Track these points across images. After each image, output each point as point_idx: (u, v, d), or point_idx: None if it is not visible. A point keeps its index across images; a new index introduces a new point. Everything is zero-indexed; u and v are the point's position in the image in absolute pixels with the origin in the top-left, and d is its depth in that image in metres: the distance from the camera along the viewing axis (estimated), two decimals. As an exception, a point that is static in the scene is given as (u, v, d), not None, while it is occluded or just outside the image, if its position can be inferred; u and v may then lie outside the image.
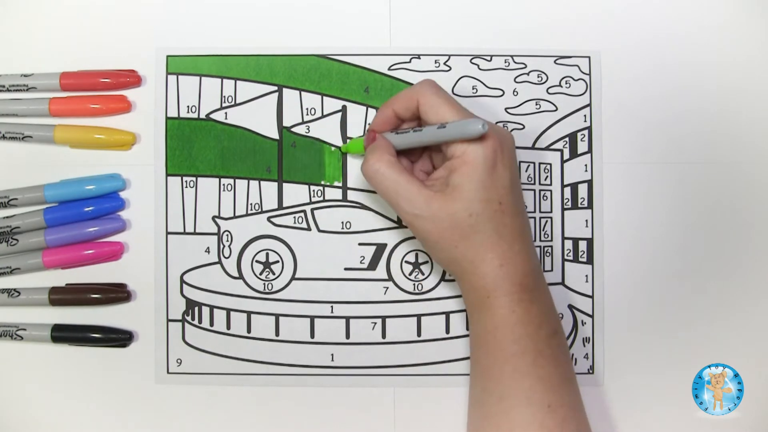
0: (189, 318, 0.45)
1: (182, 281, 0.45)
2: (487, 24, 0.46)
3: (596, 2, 0.46)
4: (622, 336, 0.45)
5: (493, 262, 0.38)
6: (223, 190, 0.45)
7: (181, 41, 0.46)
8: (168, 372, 0.45)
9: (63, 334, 0.44)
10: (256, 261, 0.45)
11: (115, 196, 0.45)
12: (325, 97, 0.46)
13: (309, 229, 0.45)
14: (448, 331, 0.45)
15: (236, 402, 0.45)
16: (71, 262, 0.45)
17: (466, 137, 0.37)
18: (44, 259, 0.44)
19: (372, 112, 0.45)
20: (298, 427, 0.45)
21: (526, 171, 0.46)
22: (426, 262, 0.45)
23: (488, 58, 0.45)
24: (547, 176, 0.46)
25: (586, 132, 0.46)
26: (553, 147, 0.46)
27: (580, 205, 0.46)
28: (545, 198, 0.46)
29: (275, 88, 0.46)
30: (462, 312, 0.45)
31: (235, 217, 0.45)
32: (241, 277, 0.45)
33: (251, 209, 0.45)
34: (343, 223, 0.45)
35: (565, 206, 0.46)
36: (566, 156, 0.46)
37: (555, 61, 0.45)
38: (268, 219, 0.45)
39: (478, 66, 0.45)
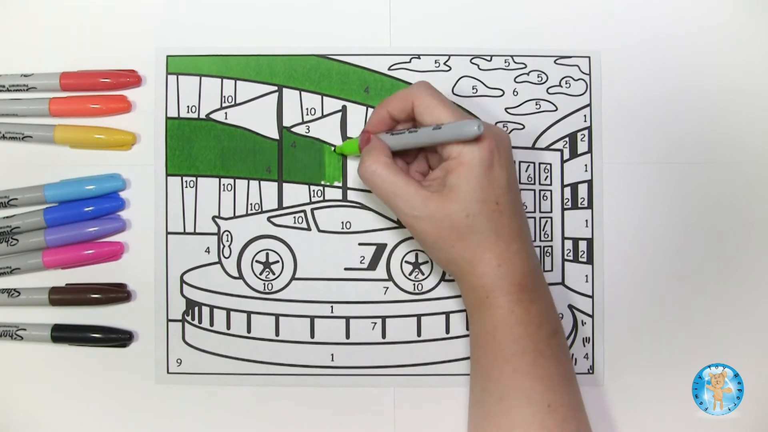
0: (189, 318, 0.45)
1: (182, 281, 0.45)
2: (487, 24, 0.46)
3: (596, 2, 0.46)
4: (622, 336, 0.45)
5: (491, 262, 0.38)
6: (223, 190, 0.45)
7: (181, 41, 0.46)
8: (168, 372, 0.45)
9: (63, 334, 0.44)
10: (256, 261, 0.45)
11: (115, 196, 0.45)
12: (325, 97, 0.46)
13: (309, 229, 0.45)
14: (448, 331, 0.45)
15: (236, 402, 0.45)
16: (71, 262, 0.45)
17: (461, 138, 0.37)
18: (44, 259, 0.44)
19: (372, 112, 0.45)
20: (298, 427, 0.45)
21: (526, 171, 0.46)
22: (426, 262, 0.45)
23: (488, 58, 0.45)
24: (547, 176, 0.46)
25: (586, 132, 0.46)
26: (553, 147, 0.46)
27: (580, 205, 0.46)
28: (545, 198, 0.46)
29: (275, 88, 0.46)
30: (462, 312, 0.45)
31: (235, 217, 0.45)
32: (241, 277, 0.45)
33: (251, 209, 0.45)
34: (343, 223, 0.45)
35: (565, 206, 0.46)
36: (566, 156, 0.46)
37: (555, 61, 0.45)
38: (268, 219, 0.45)
39: (478, 66, 0.45)
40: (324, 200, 0.45)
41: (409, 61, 0.45)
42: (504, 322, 0.38)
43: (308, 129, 0.45)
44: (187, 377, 0.45)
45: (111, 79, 0.45)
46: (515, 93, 0.45)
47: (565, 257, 0.45)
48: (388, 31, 0.46)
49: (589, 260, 0.45)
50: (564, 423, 0.37)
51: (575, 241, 0.45)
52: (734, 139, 0.45)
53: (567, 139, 0.46)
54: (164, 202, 0.45)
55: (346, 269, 0.45)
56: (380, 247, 0.45)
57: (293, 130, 0.45)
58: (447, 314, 0.45)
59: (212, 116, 0.45)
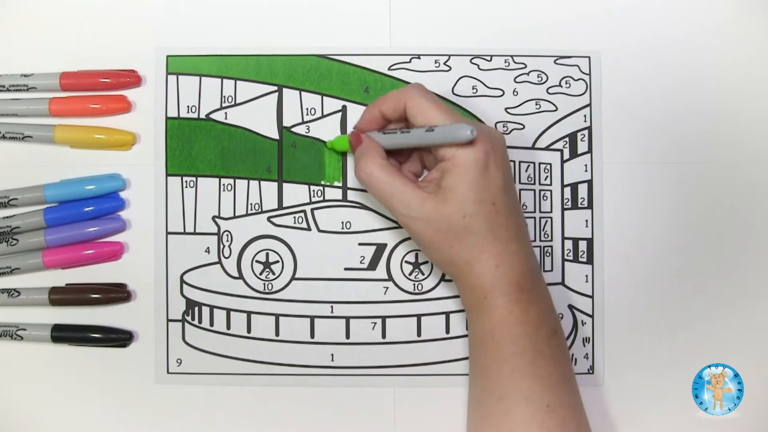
0: (189, 318, 0.45)
1: (182, 281, 0.45)
2: (487, 24, 0.46)
3: (596, 2, 0.46)
4: (622, 336, 0.45)
5: (488, 263, 0.38)
6: (223, 190, 0.45)
7: (181, 41, 0.46)
8: (168, 372, 0.45)
9: (63, 334, 0.44)
10: (256, 261, 0.45)
11: (115, 196, 0.45)
12: (325, 97, 0.45)
13: (309, 229, 0.45)
14: (448, 331, 0.45)
15: (236, 402, 0.45)
16: (71, 262, 0.45)
17: (454, 142, 0.37)
18: (44, 259, 0.44)
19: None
20: (298, 427, 0.45)
21: (526, 171, 0.46)
22: (426, 262, 0.45)
23: (488, 58, 0.45)
24: (547, 176, 0.46)
25: (586, 132, 0.46)
26: (553, 147, 0.46)
27: (580, 205, 0.46)
28: (545, 198, 0.46)
29: (275, 88, 0.45)
30: (462, 312, 0.45)
31: (235, 217, 0.45)
32: (241, 277, 0.45)
33: (251, 209, 0.45)
34: (343, 223, 0.45)
35: (565, 206, 0.46)
36: (566, 156, 0.46)
37: (555, 61, 0.45)
38: (268, 219, 0.45)
39: (478, 66, 0.45)
40: (324, 200, 0.45)
41: (409, 61, 0.45)
42: (503, 322, 0.38)
43: (308, 129, 0.45)
44: (187, 377, 0.45)
45: (111, 79, 0.45)
46: (515, 93, 0.45)
47: (565, 257, 0.45)
48: (388, 31, 0.46)
49: (589, 260, 0.45)
50: (563, 423, 0.37)
51: (575, 241, 0.45)
52: (734, 139, 0.45)
53: (567, 139, 0.45)
54: (164, 202, 0.45)
55: (346, 269, 0.45)
56: (380, 247, 0.45)
57: (293, 130, 0.45)
58: (447, 314, 0.45)
59: (212, 116, 0.45)
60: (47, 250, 0.44)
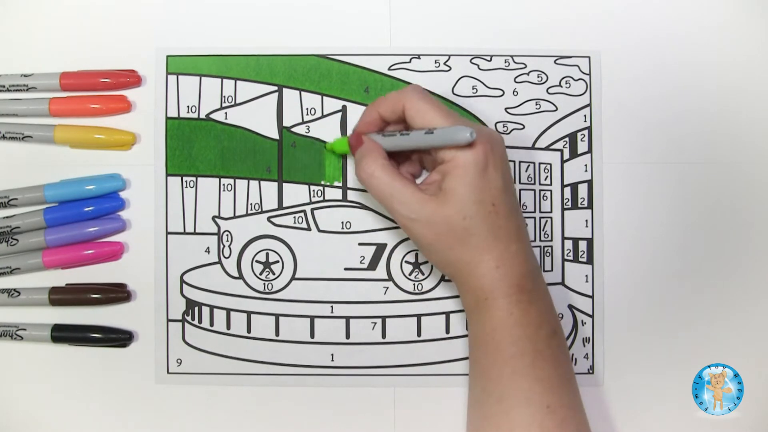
0: (189, 318, 0.45)
1: (182, 281, 0.45)
2: (487, 24, 0.46)
3: (596, 2, 0.46)
4: (622, 336, 0.45)
5: (489, 264, 0.38)
6: (223, 190, 0.45)
7: (181, 41, 0.45)
8: (168, 372, 0.45)
9: (63, 334, 0.44)
10: (256, 261, 0.45)
11: (115, 196, 0.45)
12: (325, 97, 0.45)
13: (309, 229, 0.45)
14: (448, 331, 0.45)
15: (236, 402, 0.45)
16: (71, 262, 0.44)
17: (453, 144, 0.37)
18: (44, 259, 0.44)
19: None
20: (298, 427, 0.45)
21: (526, 171, 0.46)
22: (426, 262, 0.45)
23: (488, 58, 0.45)
24: (547, 176, 0.46)
25: (586, 132, 0.46)
26: (553, 147, 0.46)
27: (580, 205, 0.46)
28: (545, 198, 0.46)
29: (275, 88, 0.45)
30: (462, 312, 0.45)
31: (235, 217, 0.45)
32: (241, 277, 0.45)
33: (251, 209, 0.45)
34: (343, 223, 0.45)
35: (565, 206, 0.46)
36: (566, 156, 0.46)
37: (555, 61, 0.45)
38: (268, 219, 0.45)
39: (478, 66, 0.45)
40: (324, 200, 0.45)
41: (409, 61, 0.45)
42: (503, 323, 0.37)
43: (308, 129, 0.45)
44: (187, 377, 0.45)
45: (111, 79, 0.45)
46: (515, 93, 0.45)
47: (565, 257, 0.45)
48: (388, 31, 0.46)
49: (589, 260, 0.45)
50: (563, 424, 0.37)
51: (575, 241, 0.45)
52: (734, 139, 0.45)
53: (567, 139, 0.45)
54: (164, 202, 0.45)
55: (346, 269, 0.45)
56: (380, 247, 0.45)
57: (293, 130, 0.45)
58: (447, 314, 0.45)
59: (212, 116, 0.45)
60: (47, 250, 0.44)
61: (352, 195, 0.45)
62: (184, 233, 0.45)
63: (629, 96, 0.45)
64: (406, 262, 0.45)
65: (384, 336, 0.45)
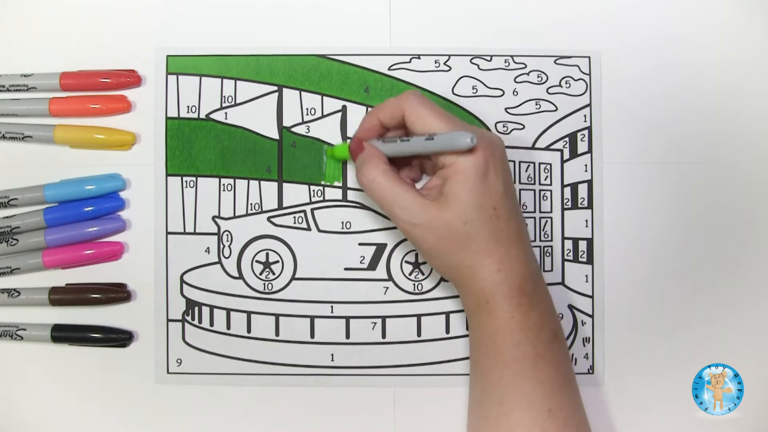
0: (189, 318, 0.45)
1: (182, 281, 0.45)
2: (487, 24, 0.46)
3: (596, 2, 0.45)
4: (622, 336, 0.45)
5: (490, 268, 0.37)
6: (223, 190, 0.45)
7: (181, 41, 0.45)
8: (168, 372, 0.45)
9: (63, 334, 0.44)
10: (256, 261, 0.45)
11: (115, 196, 0.45)
12: (325, 97, 0.45)
13: (309, 229, 0.45)
14: (448, 331, 0.45)
15: (236, 402, 0.45)
16: (71, 262, 0.44)
17: (454, 150, 0.37)
18: (44, 259, 0.44)
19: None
20: (298, 427, 0.45)
21: (526, 171, 0.46)
22: (426, 262, 0.45)
23: (488, 58, 0.45)
24: (547, 176, 0.46)
25: (586, 132, 0.45)
26: (553, 147, 0.45)
27: (580, 205, 0.45)
28: (545, 198, 0.46)
29: (275, 88, 0.45)
30: (462, 312, 0.45)
31: (235, 217, 0.45)
32: (241, 277, 0.45)
33: (251, 209, 0.45)
34: (343, 223, 0.45)
35: (565, 206, 0.46)
36: (566, 156, 0.45)
37: (555, 61, 0.45)
38: (268, 219, 0.45)
39: (478, 66, 0.45)
40: (324, 200, 0.45)
41: (409, 61, 0.45)
42: (504, 326, 0.37)
43: (308, 129, 0.45)
44: (187, 377, 0.45)
45: (111, 79, 0.44)
46: (515, 93, 0.45)
47: (565, 257, 0.45)
48: (388, 31, 0.45)
49: (589, 260, 0.45)
50: (565, 427, 0.36)
51: (575, 241, 0.45)
52: (734, 139, 0.45)
53: (567, 139, 0.45)
54: (164, 202, 0.45)
55: (346, 269, 0.45)
56: (380, 247, 0.45)
57: (293, 130, 0.45)
58: (447, 314, 0.45)
59: (212, 116, 0.45)
60: (47, 250, 0.44)
61: (352, 195, 0.45)
62: (184, 233, 0.45)
63: (629, 96, 0.45)
64: (406, 262, 0.45)
65: (384, 336, 0.45)
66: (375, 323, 0.45)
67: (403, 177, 0.41)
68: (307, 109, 0.45)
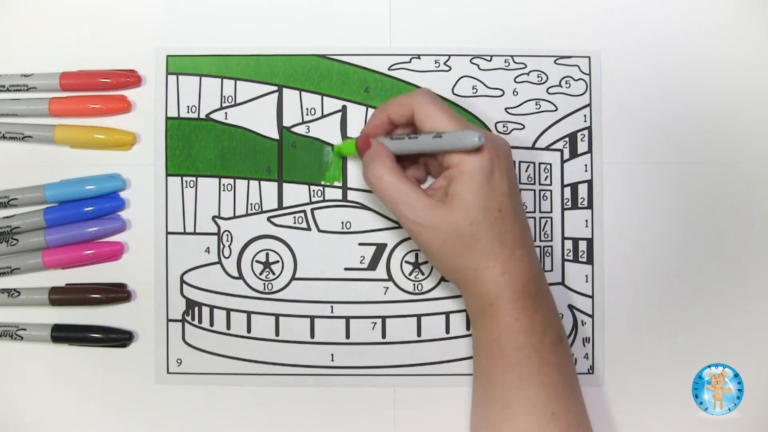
0: (189, 318, 0.45)
1: (182, 281, 0.45)
2: (487, 24, 0.45)
3: (596, 2, 0.45)
4: (622, 336, 0.45)
5: (494, 271, 0.37)
6: (223, 190, 0.45)
7: (181, 41, 0.45)
8: (168, 372, 0.45)
9: (63, 334, 0.43)
10: (256, 261, 0.45)
11: (115, 196, 0.45)
12: (325, 97, 0.45)
13: (309, 229, 0.45)
14: (448, 331, 0.45)
15: (236, 402, 0.45)
16: (71, 262, 0.44)
17: (462, 148, 0.36)
18: (44, 259, 0.44)
19: (372, 112, 0.45)
20: (298, 427, 0.45)
21: (526, 171, 0.45)
22: (426, 262, 0.45)
23: (488, 58, 0.45)
24: (547, 176, 0.46)
25: (586, 132, 0.45)
26: (553, 147, 0.45)
27: (580, 205, 0.45)
28: (545, 198, 0.46)
29: (275, 88, 0.45)
30: (462, 312, 0.44)
31: (235, 217, 0.45)
32: (241, 277, 0.45)
33: (251, 209, 0.45)
34: (343, 223, 0.45)
35: (565, 206, 0.45)
36: (566, 156, 0.45)
37: (555, 61, 0.45)
38: (268, 219, 0.45)
39: (478, 66, 0.45)
40: (324, 200, 0.45)
41: (409, 61, 0.45)
42: (508, 330, 0.37)
43: (308, 129, 0.45)
44: (187, 377, 0.45)
45: (111, 79, 0.44)
46: (515, 93, 0.45)
47: (565, 257, 0.45)
48: (388, 31, 0.45)
49: (589, 260, 0.45)
50: (568, 430, 0.36)
51: (575, 241, 0.45)
52: (734, 139, 0.45)
53: (567, 139, 0.45)
54: (164, 202, 0.45)
55: (346, 269, 0.45)
56: (380, 247, 0.45)
57: (293, 130, 0.45)
58: (447, 314, 0.45)
59: (212, 116, 0.45)
60: (47, 250, 0.44)
61: (352, 195, 0.45)
62: (184, 233, 0.45)
63: (629, 96, 0.45)
64: (406, 262, 0.45)
65: (384, 336, 0.45)
66: (375, 323, 0.45)
67: (408, 176, 0.41)
68: (307, 109, 0.45)
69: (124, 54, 0.45)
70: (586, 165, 0.45)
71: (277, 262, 0.44)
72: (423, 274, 0.45)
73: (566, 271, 0.45)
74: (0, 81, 0.44)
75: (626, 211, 0.45)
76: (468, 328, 0.44)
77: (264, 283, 0.44)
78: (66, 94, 0.44)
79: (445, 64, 0.45)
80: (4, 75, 0.44)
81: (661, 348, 0.44)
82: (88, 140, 0.44)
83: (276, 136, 0.45)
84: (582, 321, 0.44)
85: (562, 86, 0.45)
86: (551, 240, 0.45)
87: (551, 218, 0.45)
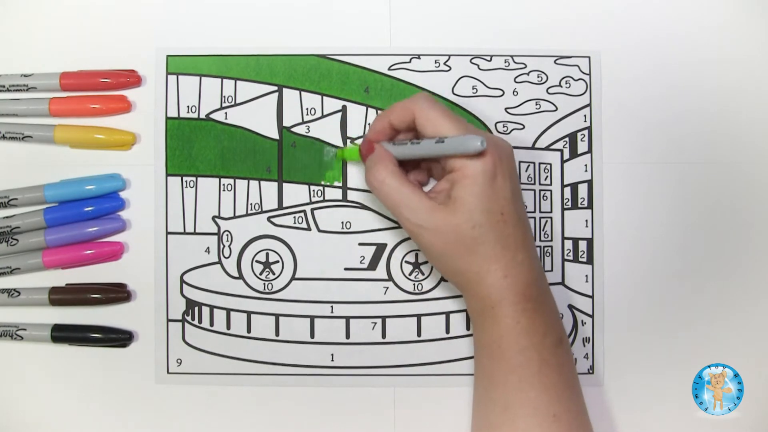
0: (189, 318, 0.45)
1: (182, 281, 0.45)
2: (487, 24, 0.45)
3: (596, 2, 0.45)
4: (622, 336, 0.45)
5: (496, 274, 0.37)
6: (223, 190, 0.45)
7: (181, 41, 0.45)
8: (168, 372, 0.45)
9: (63, 334, 0.43)
10: (256, 261, 0.45)
11: (115, 196, 0.44)
12: (325, 97, 0.45)
13: (309, 229, 0.45)
14: (448, 331, 0.45)
15: (236, 402, 0.45)
16: (71, 262, 0.44)
17: (464, 153, 0.36)
18: (44, 259, 0.43)
19: (372, 112, 0.45)
20: (298, 427, 0.44)
21: (526, 171, 0.45)
22: (426, 262, 0.45)
23: (488, 58, 0.45)
24: (547, 176, 0.46)
25: (586, 132, 0.45)
26: (553, 147, 0.45)
27: (580, 205, 0.45)
28: (545, 198, 0.46)
29: (275, 88, 0.45)
30: (462, 312, 0.44)
31: (235, 217, 0.45)
32: (241, 277, 0.45)
33: (251, 209, 0.45)
34: (343, 223, 0.45)
35: (565, 206, 0.45)
36: (566, 156, 0.45)
37: (555, 61, 0.45)
38: (268, 219, 0.45)
39: (478, 66, 0.45)
40: (324, 200, 0.45)
41: (409, 61, 0.45)
42: (510, 332, 0.37)
43: (308, 129, 0.45)
44: (187, 377, 0.45)
45: (111, 79, 0.44)
46: (515, 93, 0.45)
47: (565, 257, 0.45)
48: (388, 31, 0.45)
49: (589, 260, 0.45)
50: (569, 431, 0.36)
51: (575, 241, 0.45)
52: (734, 139, 0.45)
53: (567, 139, 0.45)
54: (164, 202, 0.45)
55: (346, 269, 0.45)
56: (380, 247, 0.45)
57: (293, 130, 0.45)
58: (447, 314, 0.45)
59: (212, 116, 0.45)
60: (47, 250, 0.44)
61: (352, 195, 0.45)
62: (184, 233, 0.45)
63: (629, 96, 0.45)
64: (406, 262, 0.45)
65: (384, 336, 0.45)
66: (375, 323, 0.45)
67: (411, 180, 0.41)
68: (307, 109, 0.45)
69: (124, 54, 0.45)
70: (586, 165, 0.45)
71: (277, 262, 0.44)
72: (423, 274, 0.45)
73: (566, 271, 0.45)
74: (0, 81, 0.44)
75: (626, 211, 0.45)
76: (468, 328, 0.44)
77: (264, 283, 0.44)
78: (66, 94, 0.44)
79: (445, 64, 0.45)
80: (4, 75, 0.44)
81: (661, 348, 0.44)
82: (88, 140, 0.44)
83: (276, 136, 0.45)
84: (582, 321, 0.44)
85: (562, 86, 0.45)
86: (551, 240, 0.45)
87: (551, 218, 0.45)
